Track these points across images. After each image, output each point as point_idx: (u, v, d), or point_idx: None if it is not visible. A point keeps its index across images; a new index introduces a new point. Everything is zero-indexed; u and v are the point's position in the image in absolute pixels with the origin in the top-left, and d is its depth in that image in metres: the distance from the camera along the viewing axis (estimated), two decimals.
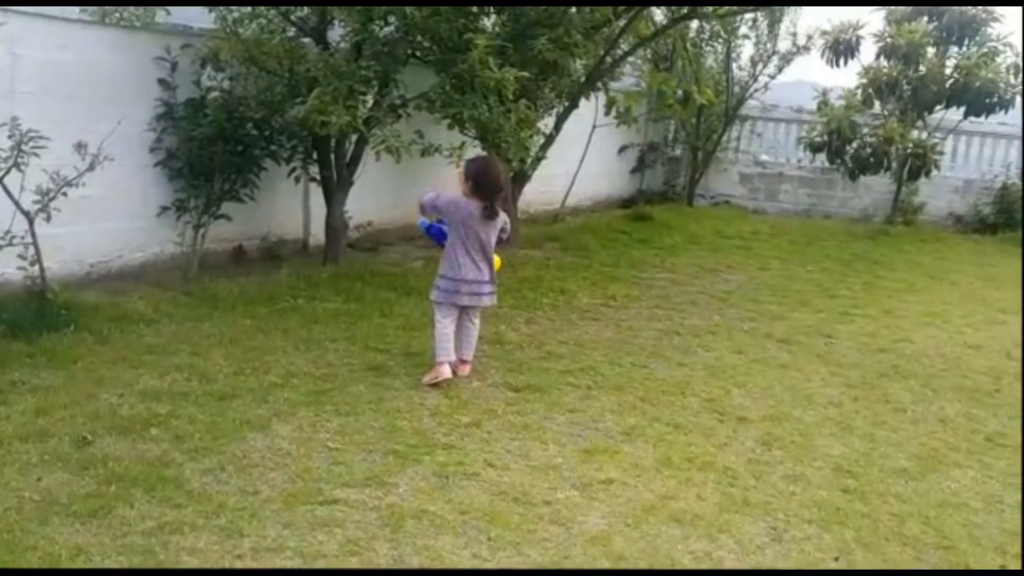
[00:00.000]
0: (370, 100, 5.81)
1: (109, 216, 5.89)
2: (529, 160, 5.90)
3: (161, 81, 6.06)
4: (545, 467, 3.62)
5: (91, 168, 4.91)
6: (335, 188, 6.73)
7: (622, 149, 11.60)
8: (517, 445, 3.83)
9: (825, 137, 10.66)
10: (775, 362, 5.29)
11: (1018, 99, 9.81)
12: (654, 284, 7.17)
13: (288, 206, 7.24)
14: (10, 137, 4.58)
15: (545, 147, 8.04)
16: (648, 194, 12.06)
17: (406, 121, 6.12)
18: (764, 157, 12.26)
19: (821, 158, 11.14)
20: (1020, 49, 10.98)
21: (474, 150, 5.68)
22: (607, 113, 9.07)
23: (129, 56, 5.88)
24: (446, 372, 4.53)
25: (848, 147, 10.65)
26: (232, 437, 3.70)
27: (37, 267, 4.87)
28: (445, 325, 4.59)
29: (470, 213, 4.53)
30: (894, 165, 10.56)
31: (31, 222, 4.78)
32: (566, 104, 8.00)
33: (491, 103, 5.37)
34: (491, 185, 4.53)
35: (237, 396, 4.13)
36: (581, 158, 9.60)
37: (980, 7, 10.44)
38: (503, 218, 4.69)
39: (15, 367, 4.23)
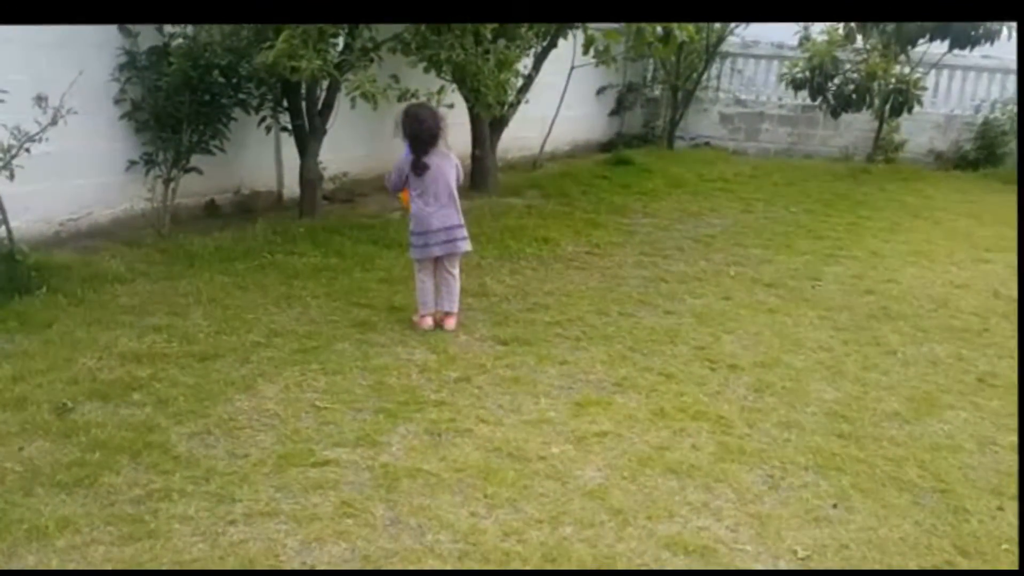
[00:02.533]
0: (341, 43, 5.57)
1: (75, 172, 5.70)
2: (507, 103, 5.71)
3: (122, 28, 5.78)
4: (538, 421, 3.57)
5: (53, 122, 4.71)
6: (308, 138, 6.54)
7: (600, 91, 11.40)
8: (508, 399, 3.77)
9: (807, 73, 10.53)
10: (763, 307, 5.26)
11: (1004, 31, 9.66)
12: (638, 230, 7.10)
13: (260, 158, 7.05)
14: None
15: (524, 90, 7.87)
16: (627, 137, 11.90)
17: (379, 65, 5.92)
18: (744, 96, 12.10)
19: (802, 96, 11.02)
20: None
21: (453, 95, 5.50)
22: (585, 52, 8.82)
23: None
24: (426, 324, 4.55)
25: (830, 83, 10.53)
26: (217, 399, 3.61)
27: (3, 228, 4.70)
28: (422, 280, 4.58)
29: (407, 170, 4.47)
30: (876, 101, 10.46)
31: None
32: (544, 44, 7.77)
33: (468, 44, 5.17)
34: (417, 135, 4.40)
35: (219, 356, 4.03)
36: (559, 102, 9.41)
37: None
38: (453, 160, 4.57)
39: None
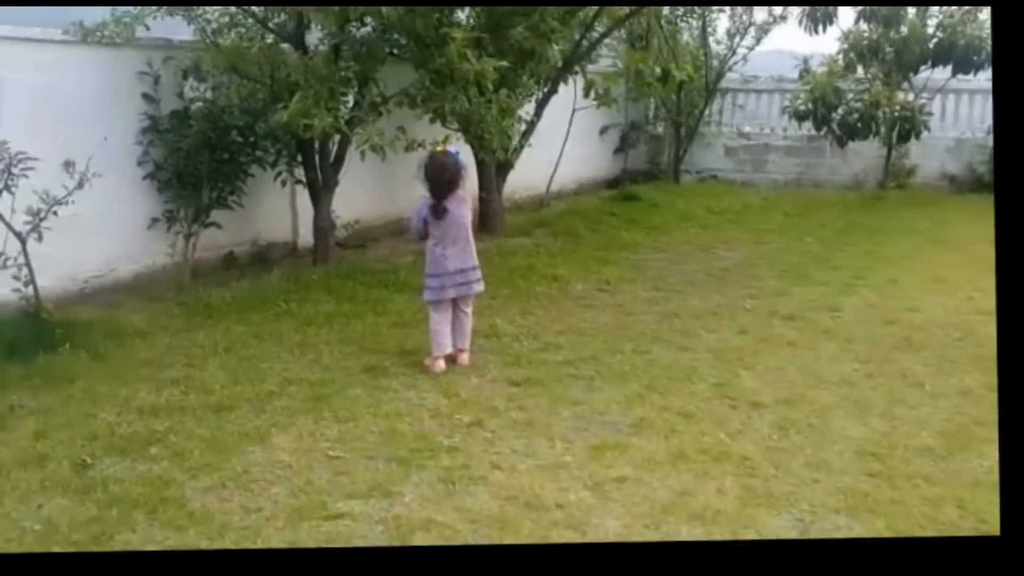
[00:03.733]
0: (351, 100, 5.70)
1: (100, 231, 5.80)
2: (511, 148, 5.77)
3: (145, 95, 6.01)
4: (554, 466, 3.53)
5: (80, 186, 4.88)
6: (321, 189, 6.64)
7: (604, 130, 11.46)
8: (523, 444, 3.73)
9: (810, 105, 10.56)
10: (782, 340, 5.21)
11: None
12: (648, 265, 7.08)
13: (276, 210, 7.13)
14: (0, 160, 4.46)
15: (527, 134, 7.94)
16: (633, 173, 11.93)
17: (387, 118, 6.03)
18: (748, 128, 12.15)
19: (808, 126, 11.05)
20: None
21: (457, 142, 5.55)
22: (586, 96, 8.92)
23: (112, 73, 5.84)
24: (439, 367, 4.57)
25: (834, 113, 10.57)
26: (232, 451, 3.59)
27: (31, 288, 4.77)
28: (438, 321, 4.62)
29: (426, 214, 4.57)
30: (883, 129, 10.46)
31: (23, 243, 4.70)
32: (545, 90, 7.87)
33: (471, 95, 5.26)
34: (438, 179, 4.53)
35: (235, 407, 4.02)
36: (563, 142, 9.47)
37: None
38: (468, 204, 4.72)
39: (13, 390, 4.14)
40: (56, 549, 2.89)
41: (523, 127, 7.89)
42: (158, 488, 3.27)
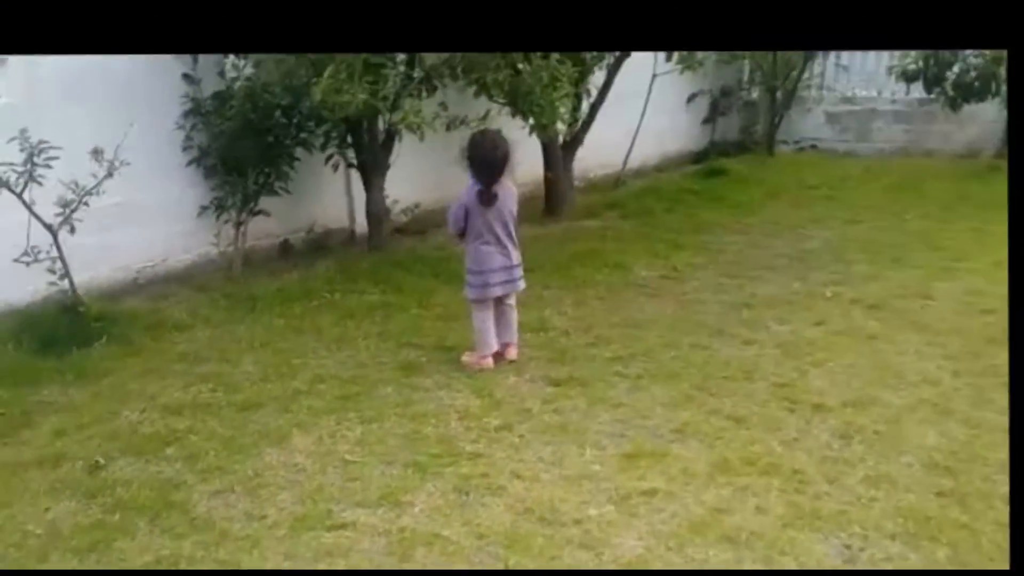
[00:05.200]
0: (391, 76, 5.38)
1: (150, 221, 5.76)
2: (561, 123, 5.38)
3: (185, 76, 5.82)
4: (579, 477, 3.24)
5: (109, 175, 4.74)
6: (371, 172, 6.43)
7: (691, 98, 10.83)
8: (551, 451, 3.45)
9: (920, 64, 9.66)
10: (862, 334, 4.71)
11: None
12: (724, 248, 6.61)
13: (332, 195, 6.97)
14: (22, 150, 4.43)
15: (596, 105, 7.53)
16: (723, 145, 11.27)
17: (433, 94, 5.72)
18: (852, 92, 11.28)
19: (918, 88, 10.13)
20: None
21: (498, 119, 5.22)
22: (668, 59, 8.41)
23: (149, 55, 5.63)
24: (488, 364, 4.31)
25: (948, 73, 9.61)
26: (248, 453, 3.47)
27: (67, 281, 4.75)
28: (483, 320, 4.33)
29: (471, 202, 4.20)
30: (1004, 89, 9.47)
31: (55, 235, 4.66)
32: (616, 56, 7.39)
33: (516, 63, 4.88)
34: (490, 162, 4.14)
35: (260, 406, 3.91)
36: (642, 113, 8.98)
37: None
38: (514, 194, 4.32)
39: (45, 385, 4.13)
40: (54, 556, 2.82)
41: (590, 98, 7.54)
42: (166, 492, 3.18)
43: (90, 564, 2.79)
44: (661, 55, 8.29)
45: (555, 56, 5.24)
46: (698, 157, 10.92)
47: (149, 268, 5.88)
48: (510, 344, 4.41)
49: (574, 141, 7.71)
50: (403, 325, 4.90)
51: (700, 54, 8.37)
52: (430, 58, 5.54)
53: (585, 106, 7.59)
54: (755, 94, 11.52)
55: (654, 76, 8.79)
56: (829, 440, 3.51)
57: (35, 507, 3.11)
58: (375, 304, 5.25)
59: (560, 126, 5.49)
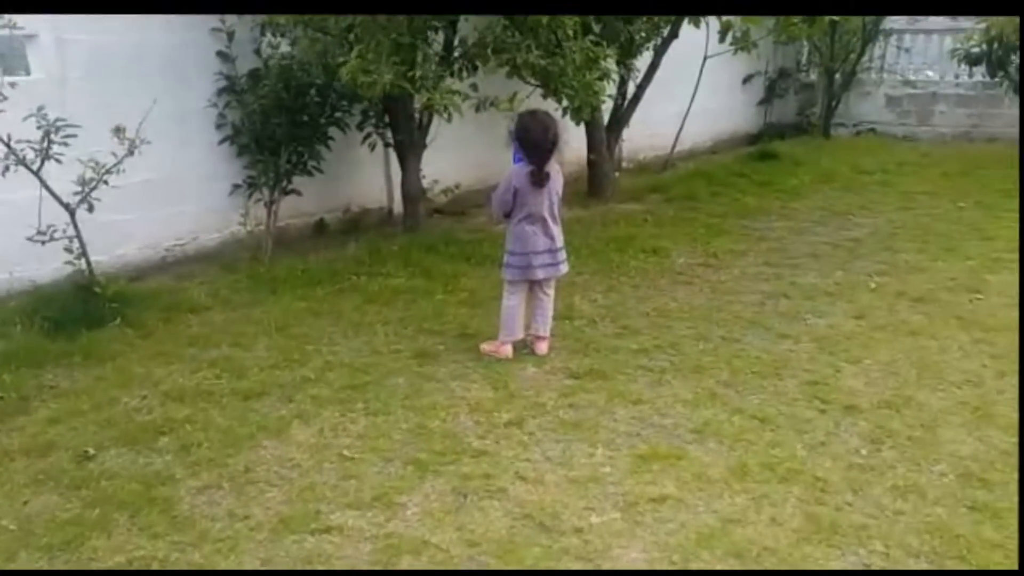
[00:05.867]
0: (423, 54, 5.19)
1: (181, 198, 5.70)
2: (593, 106, 5.12)
3: (220, 53, 5.73)
4: (587, 479, 3.03)
5: (130, 153, 4.64)
6: (407, 152, 6.27)
7: (747, 79, 10.47)
8: (560, 450, 3.25)
9: (984, 47, 9.13)
10: (904, 329, 4.40)
11: None
12: (768, 235, 6.29)
13: (369, 175, 6.85)
14: (39, 127, 4.37)
15: (642, 86, 7.26)
16: (779, 127, 10.87)
17: (467, 74, 5.53)
18: (913, 75, 10.73)
19: (981, 71, 9.59)
20: None
21: (528, 101, 4.99)
22: (721, 40, 8.06)
23: (183, 31, 5.55)
24: (507, 352, 4.13)
25: (1014, 56, 9.08)
26: (243, 446, 3.33)
27: (84, 260, 4.70)
28: (513, 303, 4.14)
29: (521, 183, 3.99)
30: None
31: (72, 214, 4.59)
32: (663, 36, 7.09)
33: (547, 43, 4.65)
34: (541, 143, 3.92)
35: (265, 394, 3.78)
36: (692, 95, 8.66)
37: None
38: (561, 175, 4.13)
39: (50, 367, 4.06)
40: (23, 554, 2.71)
41: (637, 79, 7.27)
42: (152, 486, 3.06)
43: (59, 564, 2.65)
44: (714, 37, 7.95)
45: (591, 36, 4.99)
46: (753, 139, 10.57)
47: (178, 246, 5.83)
48: (542, 338, 4.20)
49: (618, 123, 7.45)
50: (425, 311, 4.74)
51: (754, 35, 8.03)
52: (462, 37, 5.35)
53: (631, 88, 7.34)
54: (813, 76, 11.09)
55: (706, 57, 8.49)
56: (858, 445, 3.24)
57: (14, 500, 3.00)
58: (400, 288, 5.10)
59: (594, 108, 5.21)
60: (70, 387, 3.87)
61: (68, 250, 4.61)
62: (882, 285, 5.08)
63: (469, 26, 5.59)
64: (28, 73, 4.97)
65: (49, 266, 4.74)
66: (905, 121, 10.74)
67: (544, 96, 5.29)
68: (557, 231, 4.12)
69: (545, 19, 4.58)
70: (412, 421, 3.51)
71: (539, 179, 3.97)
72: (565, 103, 5.05)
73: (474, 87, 5.18)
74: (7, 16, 4.25)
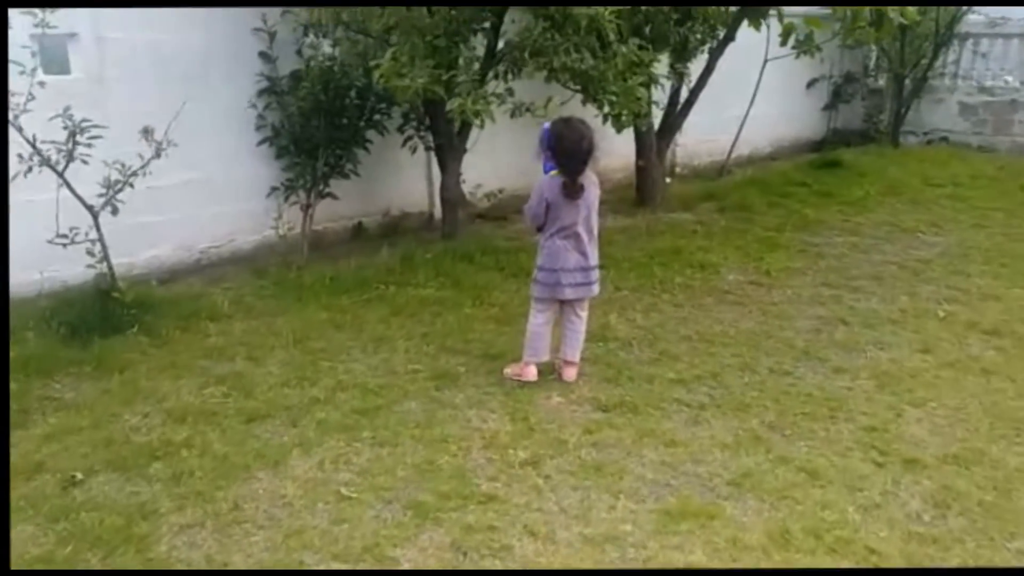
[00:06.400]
0: (455, 55, 4.89)
1: (217, 200, 5.54)
2: (635, 114, 4.75)
3: (262, 54, 5.55)
4: (604, 538, 2.71)
5: (157, 155, 4.49)
6: (447, 156, 6.01)
7: (811, 83, 9.95)
8: (578, 498, 2.93)
9: None
10: (975, 367, 3.97)
11: None
12: (827, 252, 5.85)
13: (410, 178, 6.61)
14: (64, 128, 4.21)
15: (696, 91, 6.86)
16: (844, 134, 10.30)
17: (512, 77, 5.21)
18: (991, 82, 10.06)
19: None
20: None
21: (564, 107, 4.66)
22: (783, 43, 7.62)
23: (224, 30, 5.40)
24: (531, 374, 3.83)
25: None
26: (237, 477, 3.09)
27: (106, 264, 4.53)
28: (540, 322, 3.84)
29: (554, 195, 3.68)
30: None
31: (95, 216, 4.43)
32: (719, 38, 6.68)
33: (588, 45, 4.31)
34: (567, 154, 3.61)
35: (270, 417, 3.54)
36: (750, 100, 8.22)
37: None
38: (598, 187, 3.81)
39: (58, 377, 3.88)
40: None
41: (690, 83, 6.89)
42: (133, 521, 2.83)
43: None
44: (774, 39, 7.50)
45: (637, 39, 4.63)
46: (816, 146, 10.07)
47: (214, 249, 5.68)
48: (571, 363, 3.89)
49: (669, 128, 7.07)
50: (451, 326, 4.46)
51: (818, 38, 7.57)
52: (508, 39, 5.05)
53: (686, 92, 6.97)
54: (881, 81, 10.48)
55: (766, 60, 8.04)
56: (919, 508, 2.85)
57: None
58: (428, 299, 4.83)
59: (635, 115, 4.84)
60: (73, 400, 3.68)
61: (90, 253, 4.46)
62: (952, 314, 4.62)
63: (514, 27, 5.28)
64: (68, 72, 4.86)
65: (80, 267, 4.56)
66: (980, 130, 10.07)
67: (583, 102, 4.94)
68: (591, 248, 3.79)
69: (584, 20, 4.23)
70: (420, 455, 3.22)
71: (573, 191, 3.64)
72: (606, 109, 4.69)
73: (510, 91, 4.87)
74: (47, 14, 4.09)
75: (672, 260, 5.52)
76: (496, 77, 5.28)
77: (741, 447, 3.25)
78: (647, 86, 4.77)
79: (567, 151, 3.61)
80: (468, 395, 3.71)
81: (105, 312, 4.38)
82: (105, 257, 4.52)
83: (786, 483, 3.00)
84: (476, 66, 5.11)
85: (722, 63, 7.02)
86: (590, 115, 5.07)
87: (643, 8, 5.16)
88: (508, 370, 3.90)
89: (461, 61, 4.83)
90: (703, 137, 8.52)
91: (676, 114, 7.03)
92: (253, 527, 2.80)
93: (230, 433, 3.40)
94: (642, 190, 7.08)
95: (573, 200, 3.66)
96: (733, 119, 8.34)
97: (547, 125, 3.75)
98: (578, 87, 4.85)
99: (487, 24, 4.98)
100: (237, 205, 5.67)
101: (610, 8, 4.24)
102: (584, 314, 3.90)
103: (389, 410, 3.58)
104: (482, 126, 4.73)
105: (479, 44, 5.06)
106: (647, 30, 5.64)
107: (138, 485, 3.05)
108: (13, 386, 3.72)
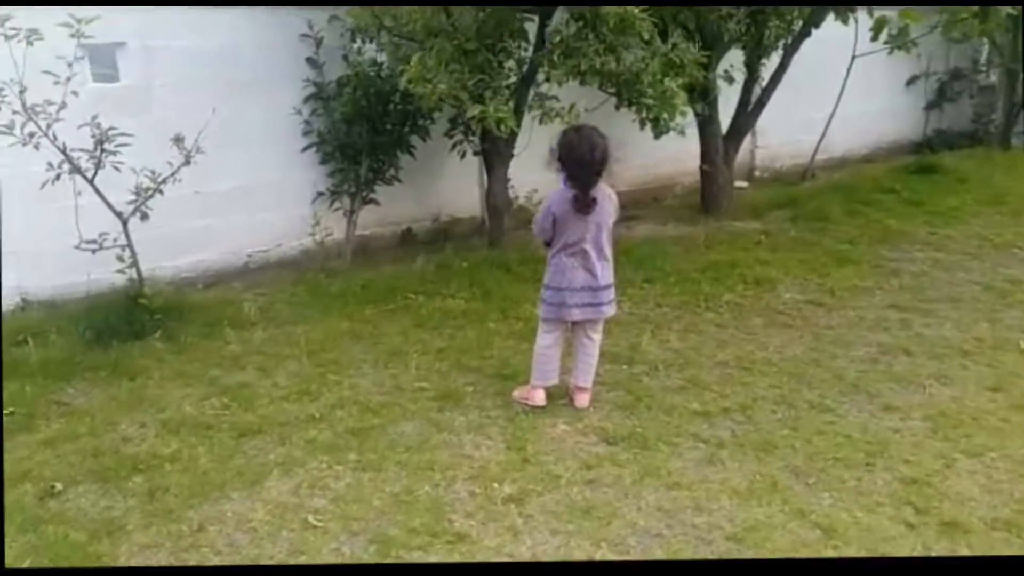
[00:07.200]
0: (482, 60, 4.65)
1: (263, 205, 5.55)
2: (675, 120, 4.39)
3: (309, 60, 5.52)
4: None
5: (187, 163, 4.47)
6: (494, 161, 5.81)
7: (911, 80, 9.22)
8: (555, 544, 2.67)
9: None
10: None
11: None
12: (903, 269, 5.32)
13: (461, 183, 6.44)
14: (92, 136, 4.23)
15: (768, 90, 6.42)
16: (949, 136, 9.50)
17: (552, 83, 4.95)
18: None
19: None
20: None
21: (591, 114, 4.35)
22: (874, 38, 7.06)
23: (271, 36, 5.38)
24: (539, 399, 3.59)
25: None
26: (211, 496, 2.98)
27: (135, 270, 4.54)
28: (547, 344, 3.60)
29: (562, 209, 3.42)
30: None
31: (124, 223, 4.45)
32: (794, 35, 6.22)
33: (623, 45, 4.01)
34: (579, 164, 3.35)
35: (262, 432, 3.42)
36: (837, 97, 7.66)
37: None
38: (614, 201, 3.51)
39: (75, 381, 3.89)
40: None
41: (761, 83, 6.47)
42: (96, 538, 2.75)
43: None
44: (864, 33, 6.95)
45: (676, 36, 4.29)
46: (917, 147, 9.32)
47: (260, 253, 5.68)
48: (582, 389, 3.62)
49: (738, 130, 6.64)
50: (471, 340, 4.25)
51: (914, 32, 6.99)
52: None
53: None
54: (993, 77, 9.62)
55: (853, 57, 7.52)
56: None
57: None
58: (453, 311, 4.64)
59: (679, 120, 4.48)
60: (80, 406, 3.68)
61: (120, 259, 4.47)
62: None
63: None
64: (117, 80, 4.93)
65: (106, 274, 4.61)
66: None
67: (617, 107, 4.62)
68: (602, 266, 3.49)
69: (612, 20, 3.93)
70: (401, 483, 3.03)
71: (583, 205, 3.37)
72: (643, 113, 4.36)
73: (540, 97, 4.61)
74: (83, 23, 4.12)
75: (725, 274, 5.13)
76: (523, 83, 5.05)
77: (754, 495, 2.91)
78: (691, 88, 4.40)
79: (578, 161, 3.34)
80: (469, 418, 3.49)
81: (130, 317, 4.38)
82: (135, 262, 4.53)
83: (795, 541, 2.65)
84: (510, 71, 4.88)
85: (811, 60, 6.57)
86: (627, 120, 4.81)
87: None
88: (516, 393, 3.66)
89: (497, 65, 4.59)
90: (787, 138, 8.02)
91: (747, 115, 6.60)
92: (211, 552, 2.68)
93: (218, 448, 3.30)
94: (706, 196, 6.68)
95: (584, 214, 3.39)
96: (822, 120, 7.81)
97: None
98: (613, 90, 4.52)
99: (538, 20, 4.69)
100: (284, 211, 5.66)
101: (640, 9, 3.91)
102: (597, 336, 3.61)
103: (383, 431, 3.40)
104: (507, 134, 4.48)
105: (517, 47, 4.80)
106: (693, 27, 5.25)
107: (113, 499, 2.99)
108: (28, 389, 3.75)
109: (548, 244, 3.54)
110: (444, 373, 3.92)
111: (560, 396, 3.63)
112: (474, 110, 4.33)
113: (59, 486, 3.05)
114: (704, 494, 2.93)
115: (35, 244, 4.63)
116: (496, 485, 2.99)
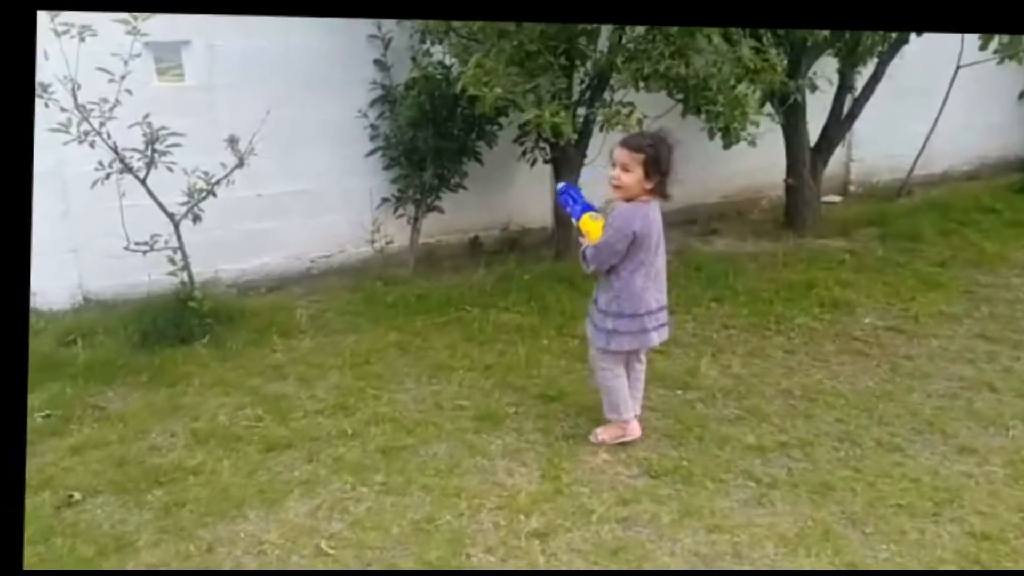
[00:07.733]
0: (541, 63, 4.44)
1: (327, 209, 5.51)
2: (746, 128, 4.10)
3: (377, 62, 5.43)
4: None
5: (240, 165, 4.45)
6: (563, 169, 5.61)
7: (1023, 95, 8.57)
8: None
9: None
10: None
11: None
12: (996, 296, 4.86)
13: (531, 191, 6.25)
14: (144, 136, 4.24)
15: (860, 101, 6.03)
16: None
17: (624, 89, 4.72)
18: None
19: None
20: None
21: (657, 120, 4.08)
22: (983, 47, 6.57)
23: (338, 37, 5.27)
24: (636, 431, 3.30)
25: None
26: (227, 514, 2.89)
27: (187, 273, 4.53)
28: (618, 374, 3.29)
29: (645, 225, 3.09)
30: None
31: (176, 225, 4.44)
32: (890, 42, 5.81)
33: (692, 48, 3.76)
34: (670, 169, 3.08)
35: (290, 447, 3.32)
36: (939, 110, 7.15)
37: None
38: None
39: (116, 385, 3.88)
40: None
41: (854, 93, 6.09)
42: (105, 553, 2.69)
43: None
44: (969, 43, 6.48)
45: (750, 42, 4.01)
46: None
47: (323, 259, 5.64)
48: (636, 416, 3.36)
49: (828, 142, 6.26)
50: (520, 358, 4.05)
51: None
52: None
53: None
54: None
55: (958, 68, 7.00)
56: None
57: None
58: (507, 326, 4.46)
59: (752, 129, 4.18)
60: (116, 411, 3.65)
61: (172, 261, 4.46)
62: None
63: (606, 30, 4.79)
64: (183, 79, 4.96)
65: (161, 277, 4.63)
66: None
67: (683, 114, 4.35)
68: (664, 283, 3.26)
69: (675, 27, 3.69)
70: (424, 510, 2.87)
71: (649, 220, 3.11)
72: (711, 122, 4.09)
73: (603, 103, 4.39)
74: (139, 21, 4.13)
75: (801, 295, 4.79)
76: (591, 88, 4.84)
77: (802, 543, 2.62)
78: (771, 95, 4.10)
79: (667, 169, 3.06)
80: (506, 442, 3.31)
81: (178, 321, 4.36)
82: (185, 265, 4.52)
83: None
84: (585, 75, 4.69)
85: (916, 68, 6.15)
86: (696, 129, 4.54)
87: None
88: (604, 436, 3.29)
89: (559, 69, 4.40)
90: (886, 152, 7.53)
91: (838, 126, 6.22)
92: None
93: (243, 462, 3.21)
94: (790, 211, 6.31)
95: (651, 230, 3.12)
96: (924, 133, 7.33)
97: (562, 186, 3.39)
98: (680, 96, 4.26)
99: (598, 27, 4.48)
100: (348, 215, 5.58)
101: None
102: (645, 359, 3.38)
103: (414, 452, 3.25)
104: (559, 141, 4.28)
105: (592, 51, 4.59)
106: (782, 32, 4.94)
107: (130, 512, 2.92)
108: (69, 391, 3.77)
109: (607, 270, 3.21)
110: (487, 391, 3.74)
111: (605, 421, 3.40)
112: (528, 114, 4.14)
113: (77, 496, 3.00)
114: (747, 539, 2.66)
115: (97, 243, 4.68)
116: (523, 517, 2.80)
